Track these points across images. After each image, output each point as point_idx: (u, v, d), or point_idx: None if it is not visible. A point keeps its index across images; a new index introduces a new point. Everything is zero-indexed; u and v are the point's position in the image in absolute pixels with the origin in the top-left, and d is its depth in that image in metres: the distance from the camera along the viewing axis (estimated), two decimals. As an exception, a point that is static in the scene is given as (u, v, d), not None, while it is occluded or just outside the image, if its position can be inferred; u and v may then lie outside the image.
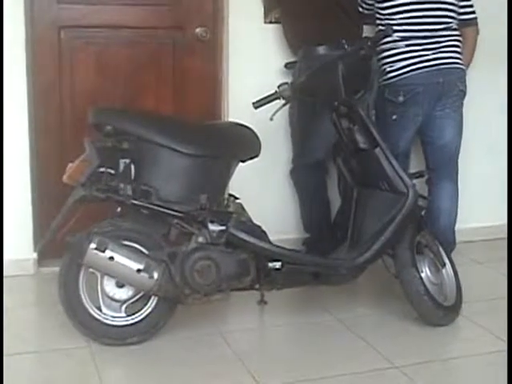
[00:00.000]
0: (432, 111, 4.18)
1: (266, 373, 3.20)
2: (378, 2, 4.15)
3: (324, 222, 4.52)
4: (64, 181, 3.29)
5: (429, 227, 3.79)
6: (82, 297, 3.34)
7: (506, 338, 3.45)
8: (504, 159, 4.91)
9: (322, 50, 4.16)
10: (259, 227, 3.46)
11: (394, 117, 4.14)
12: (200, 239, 3.30)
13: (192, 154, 3.31)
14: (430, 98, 4.14)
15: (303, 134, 4.34)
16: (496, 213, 4.98)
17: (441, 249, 3.79)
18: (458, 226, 4.46)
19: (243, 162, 3.54)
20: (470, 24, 4.34)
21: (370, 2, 4.24)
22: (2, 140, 4.08)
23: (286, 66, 4.39)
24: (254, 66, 4.45)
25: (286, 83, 3.61)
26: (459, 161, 4.41)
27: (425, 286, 3.55)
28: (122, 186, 3.25)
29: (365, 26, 4.39)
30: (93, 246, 3.21)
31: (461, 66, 4.22)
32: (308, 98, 3.81)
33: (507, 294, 3.73)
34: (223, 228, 3.32)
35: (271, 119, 3.60)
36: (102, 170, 3.24)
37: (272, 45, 4.47)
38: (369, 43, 3.64)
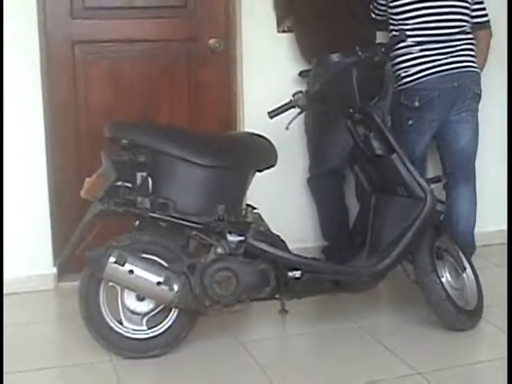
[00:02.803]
0: (448, 115, 4.17)
1: (289, 382, 3.20)
2: (391, 8, 4.15)
3: (342, 230, 4.51)
4: (82, 196, 3.30)
5: (448, 232, 3.77)
6: (103, 311, 3.34)
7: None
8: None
9: (335, 57, 4.16)
10: (278, 236, 3.45)
11: (410, 122, 4.14)
12: (219, 250, 3.30)
13: (209, 166, 3.31)
14: (445, 102, 4.13)
15: (319, 142, 4.35)
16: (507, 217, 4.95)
17: (461, 253, 3.77)
18: (476, 230, 4.44)
19: (260, 171, 3.54)
20: (483, 27, 4.33)
21: (383, 8, 4.24)
22: (2, 151, 4.10)
23: (301, 74, 4.40)
24: (268, 75, 4.45)
25: (301, 92, 3.60)
26: (476, 163, 4.40)
27: (446, 291, 3.54)
28: (139, 199, 3.26)
29: (378, 32, 4.39)
30: (112, 259, 3.21)
31: (475, 70, 4.21)
32: (323, 105, 3.81)
33: (507, 298, 3.70)
34: (242, 238, 3.32)
35: (287, 128, 3.59)
36: (119, 183, 3.25)
37: (285, 54, 4.47)
38: (382, 49, 3.63)
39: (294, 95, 3.59)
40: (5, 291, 4.05)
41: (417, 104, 4.12)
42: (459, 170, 4.35)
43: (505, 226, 4.94)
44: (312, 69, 4.29)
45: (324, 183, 4.48)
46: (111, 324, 3.35)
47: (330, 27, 4.19)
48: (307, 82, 4.32)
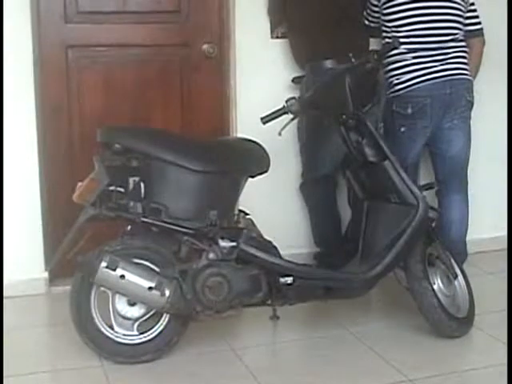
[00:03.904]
0: (440, 123, 4.18)
1: (280, 388, 3.20)
2: (384, 15, 4.16)
3: (334, 236, 4.51)
4: (74, 200, 3.30)
5: (440, 239, 3.77)
6: (94, 315, 3.33)
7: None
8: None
9: (329, 63, 4.16)
10: (270, 242, 3.45)
11: (403, 129, 4.14)
12: (211, 256, 3.30)
13: (201, 171, 3.31)
14: (438, 110, 4.13)
15: (312, 148, 4.34)
16: (507, 222, 4.96)
17: (452, 260, 3.77)
18: (469, 237, 4.44)
19: (252, 177, 3.54)
20: (476, 35, 4.34)
21: (376, 15, 4.25)
22: (2, 157, 4.09)
23: (294, 80, 4.40)
24: (261, 81, 4.45)
25: (294, 98, 3.61)
26: (468, 171, 4.40)
27: (437, 298, 3.54)
28: (131, 204, 3.25)
29: (371, 39, 4.39)
30: (104, 264, 3.20)
31: (468, 77, 4.21)
32: (316, 112, 3.81)
33: (507, 304, 3.71)
34: (234, 244, 3.32)
35: (279, 134, 3.60)
36: (111, 188, 3.25)
37: (279, 60, 4.47)
38: (375, 56, 3.64)
39: (287, 101, 3.60)
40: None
41: (409, 111, 4.12)
42: (451, 178, 4.35)
43: (496, 234, 4.95)
44: (305, 75, 4.29)
45: (316, 189, 4.48)
46: (102, 329, 3.34)
47: (324, 33, 4.19)
48: (300, 88, 4.32)
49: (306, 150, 4.43)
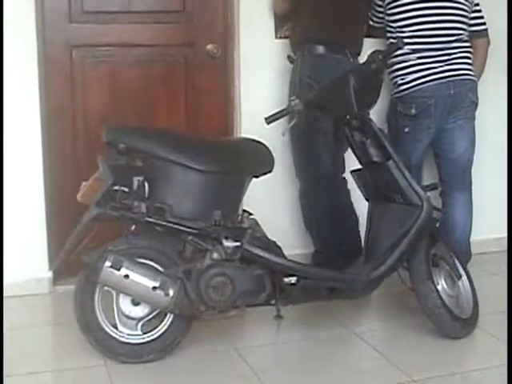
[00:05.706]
0: (444, 123, 4.18)
1: (283, 388, 3.19)
2: (389, 15, 4.16)
3: (335, 238, 4.46)
4: (78, 199, 3.30)
5: (444, 239, 3.77)
6: (98, 315, 3.33)
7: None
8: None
9: (321, 49, 4.12)
10: (274, 242, 3.45)
11: (407, 129, 4.15)
12: (215, 256, 3.30)
13: (205, 171, 3.31)
14: (441, 110, 4.13)
15: (309, 147, 4.31)
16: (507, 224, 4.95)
17: (456, 260, 3.77)
18: (472, 238, 4.44)
19: (257, 177, 3.54)
20: (480, 35, 4.34)
21: (381, 16, 4.25)
22: (2, 156, 4.10)
23: (289, 58, 4.32)
24: (265, 81, 4.46)
25: (298, 98, 3.61)
26: (472, 172, 4.40)
27: (441, 298, 3.54)
28: (136, 203, 3.25)
29: (375, 40, 4.39)
30: (108, 264, 3.20)
31: (472, 78, 4.22)
32: (320, 112, 3.80)
33: (507, 305, 3.71)
34: (238, 244, 3.31)
35: (283, 134, 3.60)
36: (115, 188, 3.24)
37: (283, 60, 4.46)
38: (380, 56, 3.63)
39: (291, 101, 3.59)
40: (-1, 295, 4.06)
41: (413, 111, 4.13)
42: (455, 178, 4.36)
43: (500, 235, 4.95)
44: (296, 57, 4.22)
45: (319, 190, 4.44)
46: (106, 328, 3.34)
47: (340, 24, 4.15)
48: (292, 69, 4.24)
49: (304, 148, 4.38)
